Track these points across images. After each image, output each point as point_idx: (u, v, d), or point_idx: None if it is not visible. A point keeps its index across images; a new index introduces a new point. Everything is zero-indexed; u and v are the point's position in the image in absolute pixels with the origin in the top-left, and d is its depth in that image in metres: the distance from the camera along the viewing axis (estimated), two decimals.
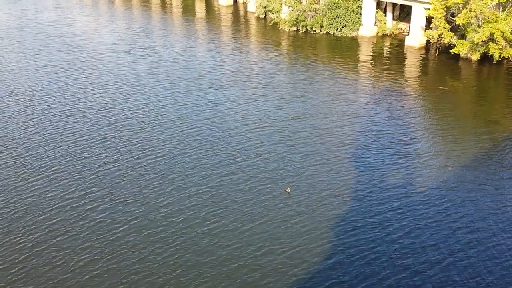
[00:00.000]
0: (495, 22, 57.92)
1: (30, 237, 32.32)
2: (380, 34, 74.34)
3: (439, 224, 33.26)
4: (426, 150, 42.59)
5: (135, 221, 33.55)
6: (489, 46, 59.33)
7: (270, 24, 79.83)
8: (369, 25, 73.89)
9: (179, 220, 33.60)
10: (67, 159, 41.02)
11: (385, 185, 37.46)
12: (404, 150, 42.42)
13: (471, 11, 59.03)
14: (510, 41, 58.31)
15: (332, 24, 74.88)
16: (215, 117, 48.42)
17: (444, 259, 30.26)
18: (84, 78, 58.48)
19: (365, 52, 70.03)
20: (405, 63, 65.40)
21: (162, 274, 29.28)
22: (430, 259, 30.27)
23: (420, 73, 62.50)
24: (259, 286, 28.48)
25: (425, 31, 67.32)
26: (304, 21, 76.15)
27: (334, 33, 74.93)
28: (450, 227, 32.99)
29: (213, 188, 36.98)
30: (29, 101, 52.15)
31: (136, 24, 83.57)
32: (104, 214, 34.26)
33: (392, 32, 74.93)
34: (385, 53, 69.82)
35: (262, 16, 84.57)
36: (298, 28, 76.71)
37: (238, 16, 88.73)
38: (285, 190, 36.46)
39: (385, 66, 63.57)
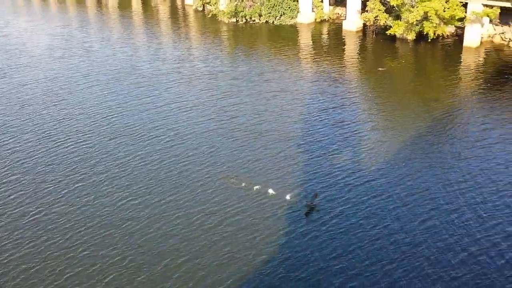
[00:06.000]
0: (428, 1, 58.93)
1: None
2: (318, 20, 74.77)
3: (381, 199, 33.66)
4: (368, 130, 42.90)
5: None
6: (424, 25, 60.44)
7: (209, 16, 79.27)
8: (307, 11, 74.20)
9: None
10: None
11: (329, 165, 37.55)
12: (347, 131, 42.59)
13: None
14: (443, 19, 59.53)
15: (270, 12, 74.86)
16: (150, 105, 47.96)
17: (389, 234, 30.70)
18: (17, 76, 56.65)
19: (304, 39, 70.27)
20: (344, 47, 65.96)
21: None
22: (368, 234, 30.63)
23: (359, 56, 63.13)
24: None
25: (361, 14, 68.07)
26: (243, 11, 75.80)
27: (273, 21, 74.92)
28: (390, 202, 33.44)
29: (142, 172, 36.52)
30: None
31: (71, 23, 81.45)
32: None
33: (330, 18, 75.45)
34: (324, 38, 70.25)
35: (200, 8, 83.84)
36: (237, 18, 76.29)
37: (175, 9, 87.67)
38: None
39: (325, 51, 63.86)
